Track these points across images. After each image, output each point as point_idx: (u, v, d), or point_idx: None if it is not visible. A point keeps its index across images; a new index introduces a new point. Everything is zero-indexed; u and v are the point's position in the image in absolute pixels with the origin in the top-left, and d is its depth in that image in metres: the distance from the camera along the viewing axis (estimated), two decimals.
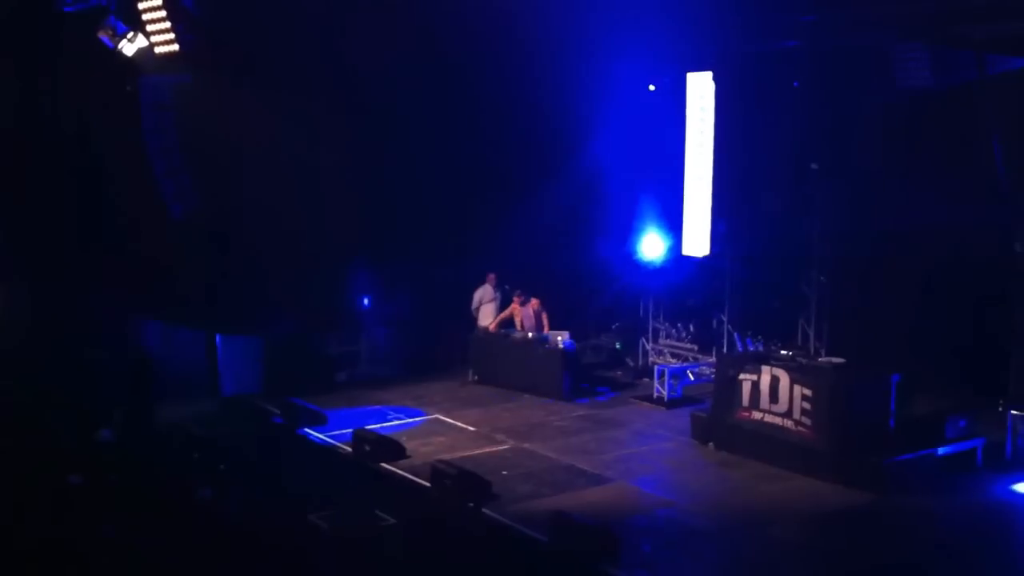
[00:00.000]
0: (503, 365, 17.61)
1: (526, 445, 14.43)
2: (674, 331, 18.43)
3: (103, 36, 16.06)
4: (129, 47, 16.09)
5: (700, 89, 16.87)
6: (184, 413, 15.37)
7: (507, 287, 18.39)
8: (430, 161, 18.72)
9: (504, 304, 18.26)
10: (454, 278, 19.40)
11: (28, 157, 16.33)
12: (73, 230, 16.64)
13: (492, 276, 18.30)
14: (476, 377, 17.84)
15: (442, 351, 18.82)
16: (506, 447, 14.48)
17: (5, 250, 16.41)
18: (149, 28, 16.08)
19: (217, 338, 16.99)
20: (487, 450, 14.30)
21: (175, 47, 16.03)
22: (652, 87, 17.80)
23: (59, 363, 15.47)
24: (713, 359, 16.80)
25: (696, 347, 17.98)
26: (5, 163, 16.22)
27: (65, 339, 16.03)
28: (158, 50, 16.19)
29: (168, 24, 15.91)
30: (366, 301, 18.31)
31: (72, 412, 14.07)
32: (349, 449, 14.21)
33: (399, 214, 18.45)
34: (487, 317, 18.20)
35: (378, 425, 15.10)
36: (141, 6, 15.92)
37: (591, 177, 18.39)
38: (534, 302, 17.93)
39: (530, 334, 17.49)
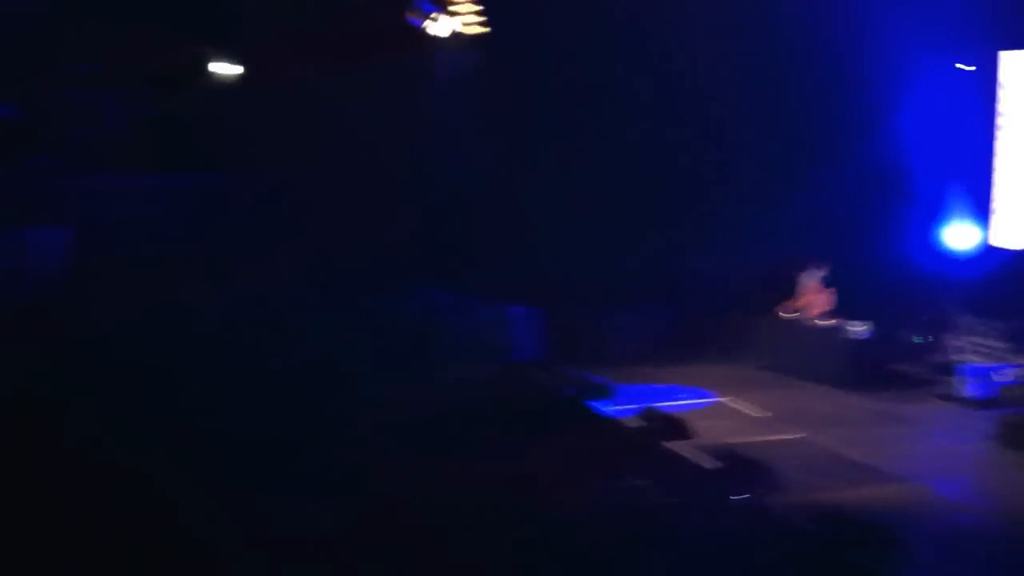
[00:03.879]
0: (793, 352, 17.22)
1: (813, 435, 14.00)
2: (981, 327, 17.36)
3: (411, 17, 16.88)
4: (435, 27, 16.83)
5: (1014, 68, 15.79)
6: (471, 376, 16.03)
7: (798, 272, 17.96)
8: (721, 143, 18.58)
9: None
10: (741, 265, 19.16)
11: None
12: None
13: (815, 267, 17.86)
14: (764, 363, 17.55)
15: (726, 335, 18.62)
16: (792, 436, 14.12)
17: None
18: (454, 8, 16.77)
19: (507, 309, 17.58)
20: (772, 438, 13.99)
21: (480, 27, 16.70)
22: (962, 66, 16.82)
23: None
24: None
25: (1007, 346, 16.85)
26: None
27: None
28: (463, 30, 16.89)
29: (475, 7, 16.59)
30: None
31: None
32: (635, 424, 14.36)
33: (693, 202, 18.45)
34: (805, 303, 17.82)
35: (663, 403, 15.12)
36: None
37: (890, 162, 17.64)
38: (828, 290, 17.41)
39: (819, 321, 17.06)
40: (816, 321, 17.14)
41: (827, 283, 17.55)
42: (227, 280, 16.03)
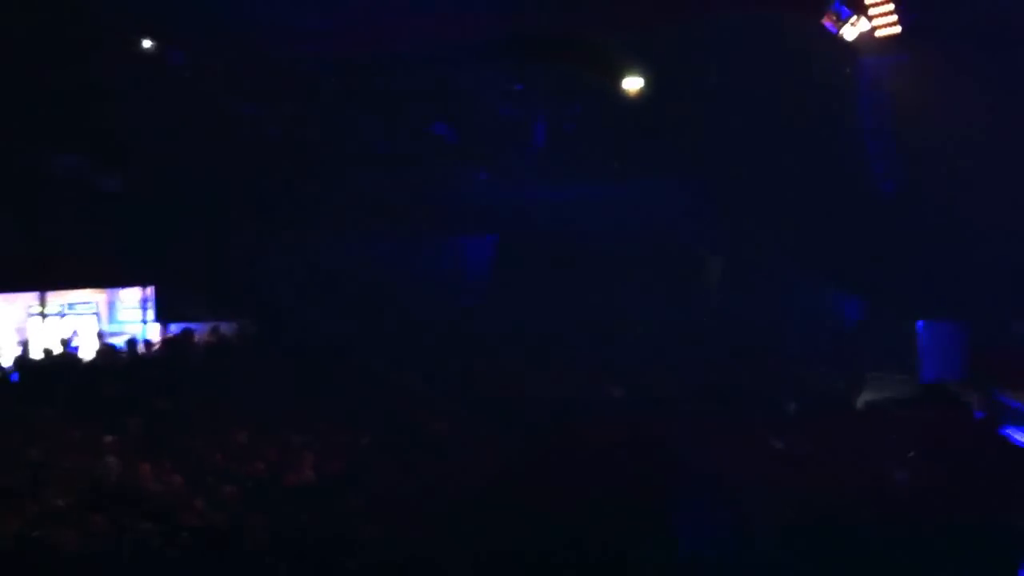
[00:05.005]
0: None
1: None
2: None
3: (826, 22, 16.64)
4: (851, 31, 16.50)
5: None
6: (883, 393, 15.60)
7: None
8: None
9: None
10: None
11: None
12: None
13: None
14: None
15: None
16: None
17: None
18: (872, 12, 16.33)
19: (918, 324, 16.86)
20: None
21: (896, 29, 16.14)
22: None
23: None
24: None
25: None
26: None
27: None
28: (879, 33, 16.41)
29: (891, 7, 16.05)
30: None
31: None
32: None
33: None
34: None
35: None
36: None
37: None
38: None
39: None
40: None
41: None
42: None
